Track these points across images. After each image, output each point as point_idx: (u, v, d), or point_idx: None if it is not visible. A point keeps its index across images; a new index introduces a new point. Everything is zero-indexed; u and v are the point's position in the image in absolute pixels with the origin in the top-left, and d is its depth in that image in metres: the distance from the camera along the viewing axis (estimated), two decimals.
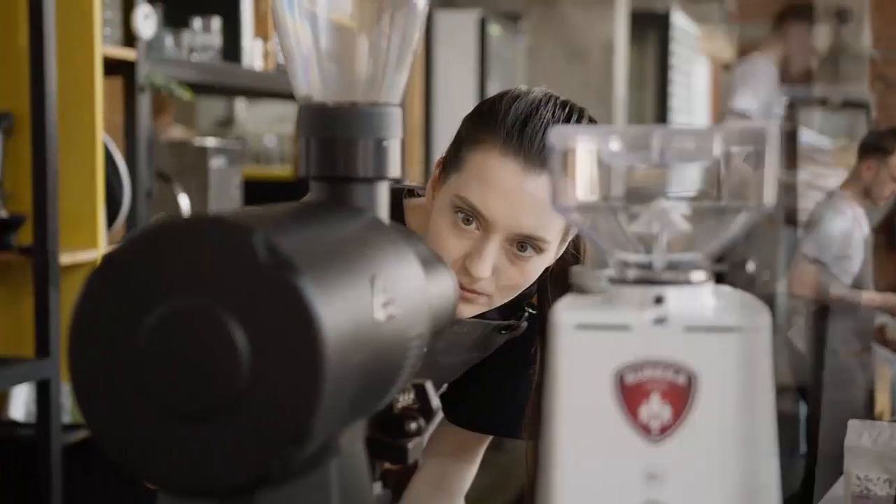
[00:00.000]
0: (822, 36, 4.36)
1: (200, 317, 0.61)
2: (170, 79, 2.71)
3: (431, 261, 0.86)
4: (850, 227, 4.07)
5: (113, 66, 2.62)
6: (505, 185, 1.20)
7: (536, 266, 1.25)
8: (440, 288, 0.84)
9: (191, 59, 2.95)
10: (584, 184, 0.72)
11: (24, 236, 2.39)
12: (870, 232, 4.17)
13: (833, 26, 9.41)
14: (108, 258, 0.63)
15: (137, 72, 2.63)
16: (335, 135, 0.80)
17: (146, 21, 2.62)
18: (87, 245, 2.49)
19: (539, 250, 1.23)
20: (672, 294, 0.69)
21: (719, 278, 0.74)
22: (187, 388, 0.61)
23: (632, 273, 0.70)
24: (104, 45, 2.54)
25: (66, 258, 2.41)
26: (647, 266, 0.71)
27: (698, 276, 0.70)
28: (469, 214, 1.22)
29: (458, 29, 5.00)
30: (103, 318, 0.63)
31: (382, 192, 0.82)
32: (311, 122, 0.81)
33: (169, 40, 2.92)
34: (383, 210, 0.82)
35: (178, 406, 0.61)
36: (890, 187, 4.17)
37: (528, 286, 1.28)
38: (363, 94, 0.82)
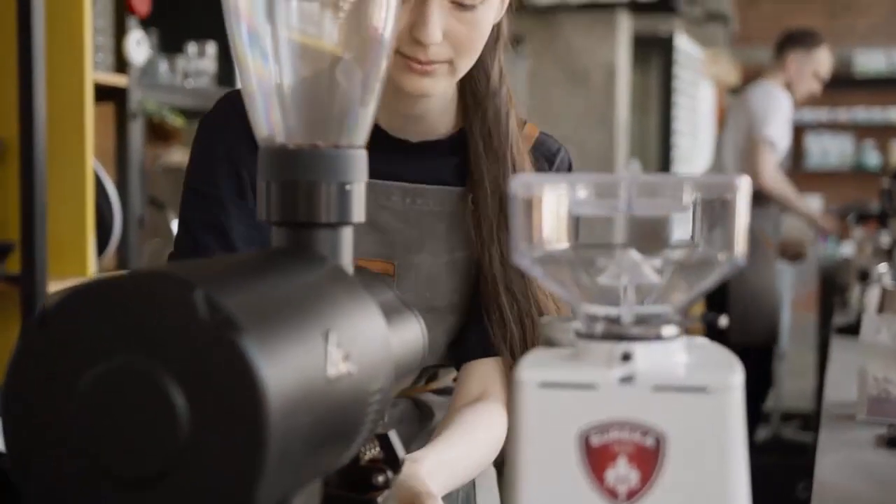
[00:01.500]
0: (824, 60, 4.36)
1: (138, 377, 0.58)
2: (162, 105, 2.69)
3: (397, 308, 0.83)
4: (789, 115, 4.31)
5: (105, 93, 2.59)
6: None
7: (486, 16, 1.20)
8: (405, 336, 0.81)
9: (185, 85, 2.93)
10: (548, 233, 0.69)
11: (12, 264, 2.36)
12: None
13: None
14: (43, 314, 0.60)
15: (129, 98, 2.61)
16: (296, 178, 0.77)
17: (138, 47, 2.60)
18: (77, 273, 2.46)
19: None
20: (641, 350, 0.66)
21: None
22: (123, 452, 0.58)
23: (599, 327, 0.67)
24: (96, 72, 2.52)
25: (54, 286, 2.38)
26: (616, 319, 0.68)
27: (669, 330, 0.67)
28: None
29: None
30: (38, 377, 0.60)
31: (346, 238, 0.79)
32: (271, 165, 0.78)
33: (163, 65, 2.90)
34: (347, 256, 0.79)
35: (114, 471, 0.58)
36: (810, 84, 4.35)
37: (482, 41, 1.22)
38: (326, 136, 0.79)
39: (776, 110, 4.23)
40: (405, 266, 1.26)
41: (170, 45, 2.95)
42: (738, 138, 4.37)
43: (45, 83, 2.35)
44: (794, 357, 6.03)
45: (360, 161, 0.79)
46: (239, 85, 0.87)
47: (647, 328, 0.67)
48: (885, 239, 4.05)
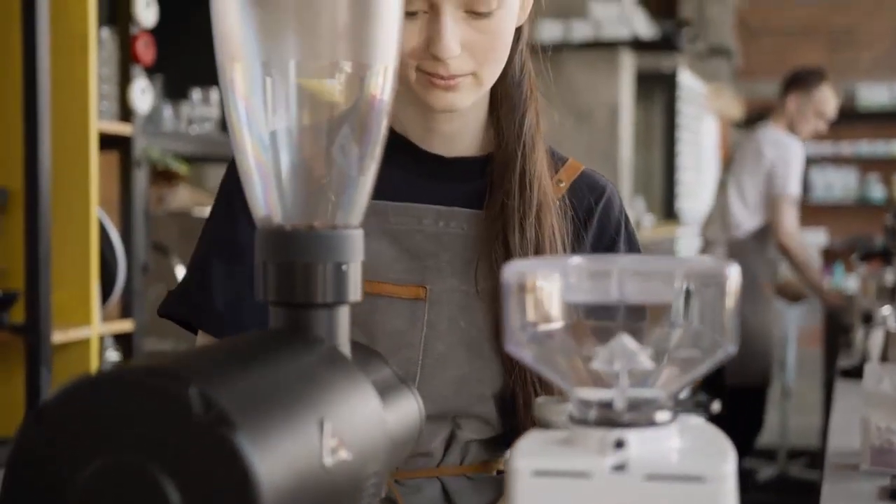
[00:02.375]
0: (826, 99, 4.38)
1: (133, 473, 0.58)
2: (166, 152, 2.70)
3: (392, 384, 0.83)
4: (802, 165, 4.37)
5: (109, 141, 2.61)
6: None
7: (505, 22, 1.14)
8: (401, 414, 0.82)
9: (189, 131, 2.94)
10: (541, 319, 0.69)
11: (17, 314, 2.37)
12: None
13: None
14: (40, 411, 0.60)
15: (133, 146, 2.62)
16: (293, 259, 0.77)
17: (143, 95, 2.62)
18: (81, 322, 2.47)
19: (498, 2, 1.12)
20: (634, 437, 0.66)
21: None
22: None
23: (592, 413, 0.68)
24: (100, 120, 2.54)
25: (58, 336, 2.38)
26: (609, 404, 0.68)
27: (662, 416, 0.67)
28: (407, 1, 1.11)
29: None
30: (36, 474, 0.60)
31: (342, 318, 0.79)
32: (268, 246, 0.78)
33: (168, 111, 2.92)
34: (343, 335, 0.79)
35: None
36: (813, 123, 4.36)
37: (505, 47, 1.16)
38: (322, 217, 0.80)
39: (794, 163, 4.29)
40: (438, 291, 1.19)
41: (174, 91, 2.97)
42: (744, 182, 4.38)
43: (50, 133, 2.36)
44: (801, 393, 6.01)
45: (356, 241, 0.79)
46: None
47: (640, 414, 0.67)
48: (889, 276, 4.04)
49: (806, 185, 10.05)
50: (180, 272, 2.88)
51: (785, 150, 4.33)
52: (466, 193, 1.23)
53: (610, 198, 1.27)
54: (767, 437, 6.04)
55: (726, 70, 9.66)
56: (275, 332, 0.78)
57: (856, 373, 2.70)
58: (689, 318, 0.69)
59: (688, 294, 0.68)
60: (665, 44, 5.86)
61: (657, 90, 7.20)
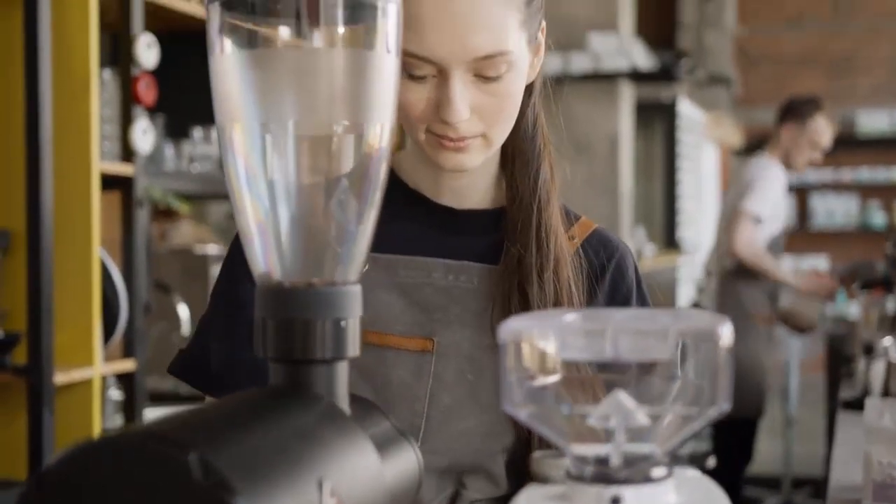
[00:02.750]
0: (820, 129, 4.39)
1: None
2: (168, 192, 2.72)
3: (391, 437, 0.84)
4: (781, 190, 4.33)
5: (111, 181, 2.63)
6: (432, 17, 1.09)
7: (514, 82, 1.14)
8: (399, 468, 0.82)
9: (191, 170, 2.96)
10: (536, 376, 0.70)
11: (19, 355, 2.38)
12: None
13: (698, 0, 9.49)
14: (41, 476, 0.61)
15: (135, 186, 2.64)
16: (292, 316, 0.78)
17: (144, 136, 2.63)
18: (83, 363, 2.48)
19: (508, 66, 1.12)
20: (630, 494, 0.66)
21: None
22: None
23: (588, 470, 0.68)
24: (103, 161, 2.56)
25: (61, 377, 2.39)
26: (605, 460, 0.69)
27: (658, 472, 0.68)
28: (416, 66, 1.11)
29: None
30: None
31: (341, 373, 0.80)
32: (267, 303, 0.79)
33: (169, 150, 2.93)
34: (342, 390, 0.80)
35: None
36: (807, 153, 4.36)
37: (514, 109, 1.16)
38: (321, 273, 0.80)
39: (763, 183, 4.28)
40: (445, 343, 1.19)
41: (176, 130, 2.99)
42: (727, 208, 4.44)
43: (52, 174, 2.38)
44: (805, 421, 6.00)
45: (354, 297, 0.80)
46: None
47: (636, 470, 0.68)
48: (891, 305, 4.04)
49: (807, 213, 10.11)
50: (182, 310, 2.89)
51: (759, 170, 4.36)
52: (478, 247, 1.23)
53: (623, 257, 1.27)
54: (771, 465, 6.03)
55: (726, 98, 9.69)
56: (274, 389, 0.78)
57: (857, 404, 2.70)
58: (683, 375, 0.69)
59: (682, 351, 0.68)
60: (664, 74, 5.88)
61: (657, 120, 7.22)
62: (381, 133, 0.81)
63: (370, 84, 0.79)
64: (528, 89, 1.23)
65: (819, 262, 10.06)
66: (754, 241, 4.24)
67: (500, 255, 1.22)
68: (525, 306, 1.17)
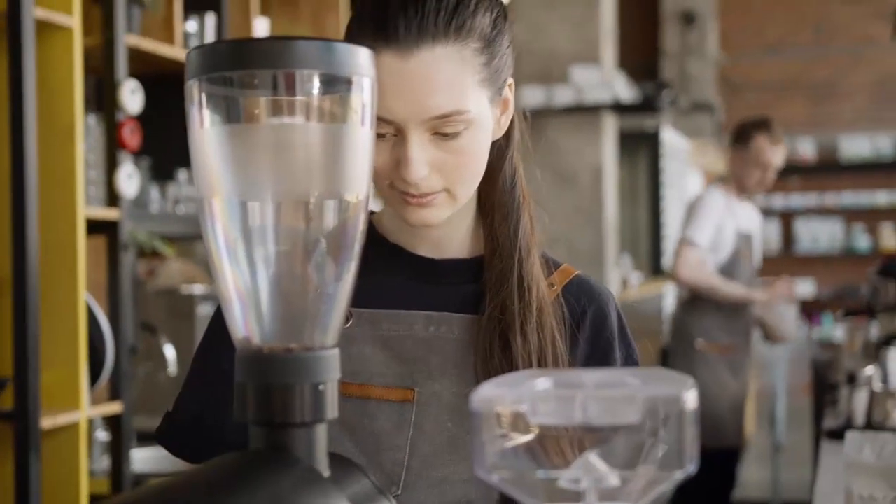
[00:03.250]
0: (763, 148, 4.32)
1: None
2: (153, 235, 2.74)
3: (371, 496, 0.86)
4: (722, 216, 4.27)
5: (97, 225, 2.64)
6: (389, 79, 1.10)
7: (475, 139, 1.15)
8: None
9: (176, 211, 2.98)
10: (508, 442, 0.72)
11: (6, 400, 2.39)
12: (748, 227, 4.38)
13: (679, 29, 9.56)
14: None
15: (121, 230, 2.66)
16: (271, 381, 0.80)
17: (129, 180, 2.66)
18: (70, 407, 2.49)
19: (466, 124, 1.13)
20: None
21: None
22: None
23: None
24: (88, 206, 2.57)
25: (47, 421, 2.40)
26: None
27: None
28: (386, 128, 1.13)
29: None
30: None
31: (320, 435, 0.82)
32: (247, 368, 0.82)
33: (155, 192, 2.95)
34: (321, 452, 0.82)
35: None
36: (755, 174, 4.32)
37: (478, 163, 1.16)
38: (300, 339, 0.83)
39: (702, 210, 4.23)
40: (426, 394, 1.20)
41: (161, 172, 3.01)
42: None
43: (38, 219, 2.39)
44: (793, 445, 6.02)
45: (332, 361, 0.82)
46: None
47: None
48: (874, 332, 4.07)
49: (792, 237, 10.17)
50: (168, 351, 2.90)
51: (702, 199, 4.36)
52: (458, 296, 1.24)
53: (604, 303, 1.27)
54: (760, 491, 6.04)
55: (709, 125, 9.76)
56: (254, 453, 0.80)
57: (841, 434, 2.72)
58: (651, 438, 0.71)
59: (650, 415, 0.71)
60: (646, 105, 5.94)
61: (641, 149, 7.28)
62: (357, 202, 0.84)
63: (346, 156, 0.82)
64: (506, 142, 1.25)
65: (805, 287, 10.12)
66: (696, 265, 4.19)
67: (479, 304, 1.24)
68: (508, 357, 1.19)
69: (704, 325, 4.29)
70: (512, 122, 1.26)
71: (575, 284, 1.28)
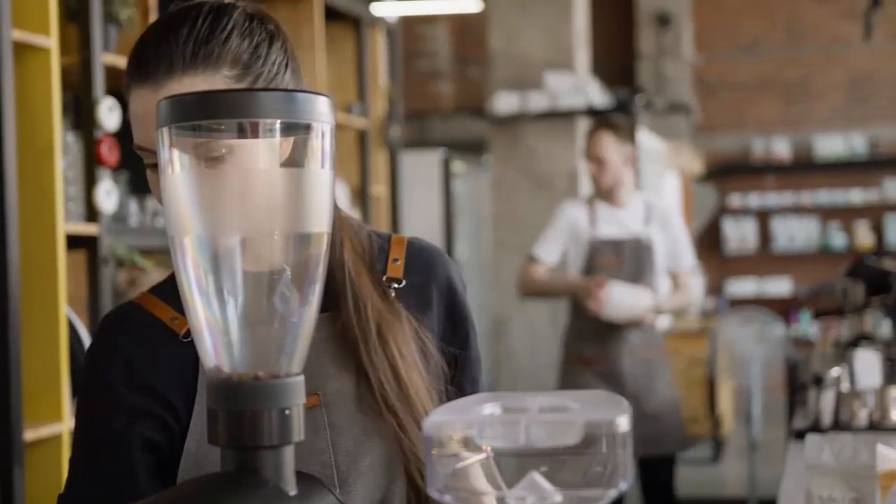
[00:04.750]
0: (610, 149, 4.03)
1: None
2: (132, 249, 2.79)
3: None
4: (573, 228, 4.06)
5: (76, 240, 2.69)
6: (142, 110, 1.16)
7: (246, 166, 1.11)
8: None
9: (154, 224, 3.03)
10: (457, 464, 0.78)
11: None
12: (613, 233, 4.11)
13: (654, 30, 9.64)
14: None
15: (100, 245, 2.71)
16: (241, 407, 0.86)
17: (108, 196, 2.71)
18: (52, 419, 2.54)
19: (228, 148, 1.10)
20: None
21: None
22: None
23: None
24: (67, 222, 2.62)
25: (30, 434, 2.45)
26: None
27: None
28: (153, 158, 1.16)
29: (423, 167, 5.15)
30: None
31: (288, 457, 0.88)
32: (218, 396, 0.88)
33: (133, 206, 3.00)
34: (289, 472, 0.88)
35: None
36: (590, 169, 4.05)
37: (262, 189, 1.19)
38: (267, 367, 0.89)
39: (550, 225, 4.10)
40: (331, 394, 1.25)
41: (139, 186, 3.06)
42: None
43: (18, 235, 2.44)
44: (770, 441, 6.11)
45: (297, 387, 0.88)
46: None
47: None
48: (844, 331, 4.15)
49: (769, 236, 10.28)
50: None
51: (553, 213, 4.19)
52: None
53: (444, 262, 1.35)
54: (736, 488, 6.13)
55: (686, 126, 9.86)
56: (225, 475, 0.86)
57: (808, 434, 2.78)
58: (589, 458, 0.78)
59: (588, 437, 0.77)
60: (619, 110, 6.01)
61: None
62: (319, 236, 0.90)
63: (308, 196, 0.88)
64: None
65: (782, 285, 10.23)
66: (527, 274, 4.08)
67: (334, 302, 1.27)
68: (368, 380, 1.24)
69: (570, 339, 4.15)
70: None
71: (416, 251, 1.34)
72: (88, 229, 2.70)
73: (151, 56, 1.17)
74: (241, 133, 0.88)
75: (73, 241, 2.68)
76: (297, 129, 0.88)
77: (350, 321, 1.26)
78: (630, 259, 4.07)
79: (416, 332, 1.28)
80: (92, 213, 2.72)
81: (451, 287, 1.34)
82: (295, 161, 0.88)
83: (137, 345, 1.25)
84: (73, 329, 2.61)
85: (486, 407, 0.81)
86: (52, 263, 2.53)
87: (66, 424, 2.55)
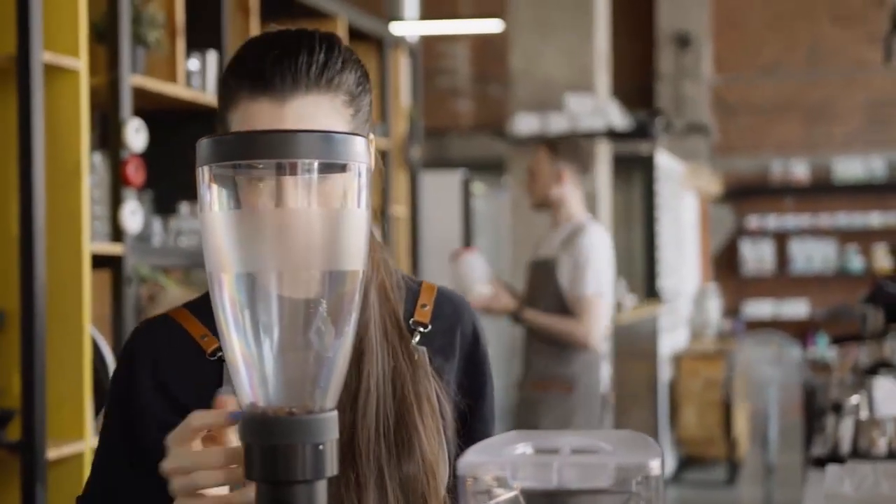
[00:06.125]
0: (552, 170, 4.03)
1: None
2: (156, 269, 2.81)
3: None
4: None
5: (101, 260, 2.72)
6: (266, 122, 1.17)
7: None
8: None
9: (178, 244, 3.06)
10: (491, 500, 0.80)
11: (13, 432, 2.45)
12: (543, 253, 4.07)
13: (674, 51, 9.60)
14: None
15: (124, 265, 2.73)
16: (275, 442, 0.88)
17: (133, 216, 2.73)
18: (75, 437, 2.56)
19: (340, 168, 1.18)
20: None
21: None
22: None
23: None
24: (93, 241, 2.65)
25: (52, 453, 2.47)
26: None
27: None
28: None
29: (444, 188, 5.16)
30: None
31: (321, 491, 0.89)
32: (253, 430, 0.89)
33: (157, 226, 3.03)
34: None
35: None
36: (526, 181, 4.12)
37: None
38: (302, 402, 0.90)
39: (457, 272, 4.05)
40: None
41: (163, 205, 3.09)
42: None
43: (45, 255, 2.47)
44: (785, 465, 6.08)
45: (331, 423, 0.90)
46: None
47: None
48: (863, 357, 4.14)
49: (786, 258, 10.26)
50: None
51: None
52: None
53: (469, 315, 1.36)
54: None
55: (704, 147, 9.85)
56: None
57: (827, 461, 2.77)
58: (622, 499, 0.79)
59: (621, 479, 0.78)
60: (640, 132, 6.02)
61: (635, 172, 7.35)
62: (354, 273, 0.91)
63: (344, 235, 0.90)
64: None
65: (799, 307, 10.19)
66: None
67: None
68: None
69: (528, 364, 4.07)
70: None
71: (443, 300, 1.35)
72: (114, 249, 2.73)
73: (275, 70, 1.18)
74: (280, 172, 0.89)
75: (98, 261, 2.70)
76: (334, 169, 0.90)
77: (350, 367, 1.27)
78: (532, 279, 4.07)
79: (429, 377, 1.28)
80: (117, 233, 2.74)
81: (475, 338, 1.36)
82: (332, 200, 0.90)
83: (166, 354, 1.26)
84: (96, 348, 2.64)
85: (517, 447, 0.82)
86: (77, 283, 2.56)
87: (88, 443, 2.57)
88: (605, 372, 4.10)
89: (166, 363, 1.26)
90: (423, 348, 1.29)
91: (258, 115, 1.18)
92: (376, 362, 1.25)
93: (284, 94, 1.18)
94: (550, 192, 4.04)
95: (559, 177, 4.02)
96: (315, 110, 1.18)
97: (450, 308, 1.35)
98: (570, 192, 4.06)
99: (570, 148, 4.13)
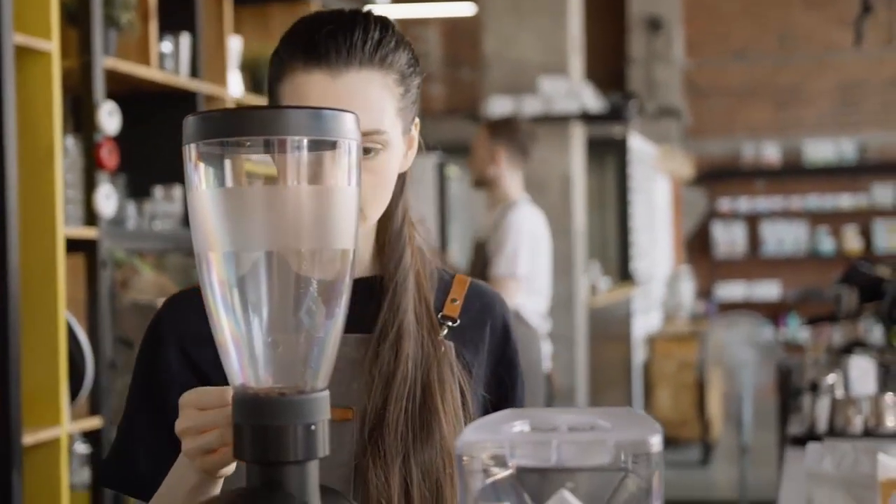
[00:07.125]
0: (489, 149, 4.06)
1: None
2: (130, 253, 2.78)
3: None
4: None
5: (75, 244, 2.69)
6: (318, 94, 1.19)
7: (388, 163, 1.22)
8: None
9: (152, 227, 3.03)
10: (489, 479, 0.79)
11: None
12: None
13: (646, 35, 9.64)
14: None
15: (99, 249, 2.70)
16: (266, 423, 0.87)
17: (107, 200, 2.70)
18: (50, 423, 2.53)
19: (382, 144, 1.21)
20: None
21: None
22: None
23: None
24: (67, 225, 2.62)
25: (28, 438, 2.44)
26: None
27: None
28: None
29: (417, 171, 5.14)
30: None
31: (312, 472, 0.88)
32: (244, 411, 0.88)
33: (132, 209, 3.00)
34: (313, 487, 0.88)
35: None
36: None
37: (388, 187, 1.23)
38: (292, 383, 0.89)
39: None
40: (361, 413, 1.24)
41: (137, 189, 3.06)
42: None
43: (18, 239, 2.44)
44: (760, 445, 6.13)
45: (322, 403, 0.89)
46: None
47: None
48: (837, 337, 4.16)
49: (758, 240, 10.31)
50: None
51: None
52: (357, 315, 1.23)
53: (501, 311, 1.36)
54: (727, 491, 6.14)
55: (676, 130, 9.87)
56: (250, 491, 0.87)
57: (804, 441, 2.79)
58: (620, 477, 0.78)
59: (619, 456, 0.77)
60: (614, 115, 6.02)
61: (608, 155, 7.36)
62: (344, 252, 0.90)
63: (334, 213, 0.88)
64: (401, 181, 1.30)
65: (771, 289, 10.26)
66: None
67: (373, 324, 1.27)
68: (371, 378, 1.24)
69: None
70: (409, 170, 1.32)
71: (475, 294, 1.35)
72: (88, 233, 2.70)
73: (329, 44, 1.19)
74: (268, 150, 0.88)
75: (72, 245, 2.67)
76: (324, 146, 0.88)
77: (377, 321, 1.26)
78: (473, 260, 4.16)
79: (453, 370, 1.28)
80: (91, 217, 2.71)
81: (505, 333, 1.36)
82: (321, 178, 0.89)
83: (194, 326, 1.23)
84: (72, 333, 2.61)
85: (515, 424, 0.81)
86: (51, 267, 2.53)
87: (64, 428, 2.55)
88: (547, 350, 4.14)
89: (193, 335, 1.26)
90: (451, 343, 1.29)
91: (311, 87, 1.19)
92: (413, 346, 1.25)
93: (339, 68, 1.19)
94: (486, 171, 4.09)
95: (494, 157, 4.06)
96: (367, 86, 1.20)
97: (480, 303, 1.35)
98: (505, 173, 4.09)
99: (508, 129, 4.15)
